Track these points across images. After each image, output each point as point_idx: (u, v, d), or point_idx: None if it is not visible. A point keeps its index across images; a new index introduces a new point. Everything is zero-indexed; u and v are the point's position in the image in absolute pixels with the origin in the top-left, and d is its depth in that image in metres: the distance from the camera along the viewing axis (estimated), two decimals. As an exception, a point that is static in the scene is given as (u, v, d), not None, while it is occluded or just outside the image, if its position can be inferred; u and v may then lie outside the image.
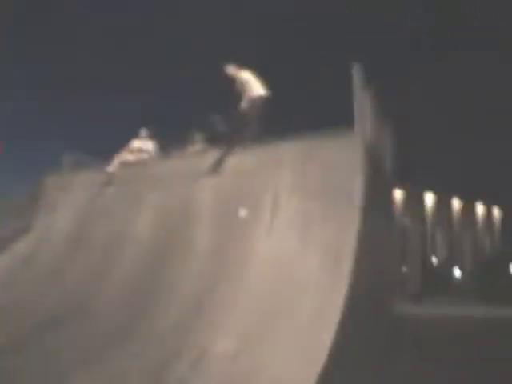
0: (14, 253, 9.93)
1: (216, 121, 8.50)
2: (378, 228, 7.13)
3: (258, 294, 5.91)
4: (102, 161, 10.26)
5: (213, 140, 8.63)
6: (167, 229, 7.59)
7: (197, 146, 8.92)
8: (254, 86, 7.90)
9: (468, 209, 61.07)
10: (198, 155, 8.43)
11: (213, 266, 6.61)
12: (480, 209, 63.69)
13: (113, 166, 9.07)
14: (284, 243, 6.26)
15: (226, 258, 6.59)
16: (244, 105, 7.81)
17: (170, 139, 9.93)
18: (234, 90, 8.00)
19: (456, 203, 60.09)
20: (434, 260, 54.52)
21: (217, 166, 7.58)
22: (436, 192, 57.60)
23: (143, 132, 9.73)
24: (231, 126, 8.09)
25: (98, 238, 8.50)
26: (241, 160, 7.45)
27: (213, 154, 7.83)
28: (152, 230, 7.77)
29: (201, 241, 7.02)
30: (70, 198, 9.73)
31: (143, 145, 9.55)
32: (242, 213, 6.79)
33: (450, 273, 54.46)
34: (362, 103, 6.72)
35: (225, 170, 7.50)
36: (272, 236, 6.42)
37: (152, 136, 9.83)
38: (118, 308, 6.87)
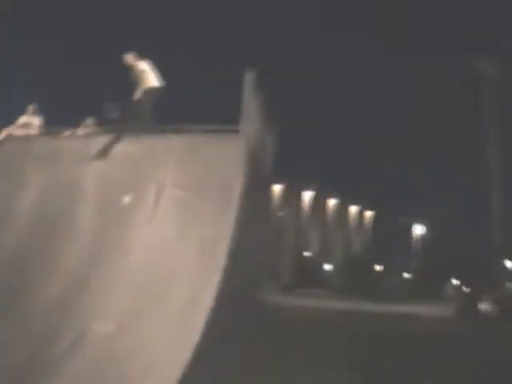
0: None
1: (110, 108, 8.47)
2: (253, 222, 7.65)
3: (136, 278, 6.15)
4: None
5: (104, 125, 8.63)
6: (50, 208, 7.48)
7: (87, 129, 8.83)
8: (150, 76, 8.04)
9: (342, 209, 65.59)
10: (86, 138, 8.37)
11: (94, 249, 6.71)
12: (353, 210, 68.63)
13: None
14: (163, 232, 6.54)
15: (107, 242, 6.73)
16: (138, 94, 7.92)
17: (60, 120, 9.67)
18: (130, 79, 8.09)
19: (332, 203, 64.23)
20: (307, 254, 57.67)
21: (105, 151, 7.62)
22: (314, 190, 61.03)
23: (31, 108, 9.39)
24: (123, 114, 8.15)
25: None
26: (129, 148, 7.57)
27: (102, 139, 7.86)
28: (35, 208, 7.59)
29: (84, 223, 7.06)
30: None
31: (30, 120, 9.22)
32: (126, 199, 6.94)
33: (321, 267, 57.96)
34: (250, 106, 7.18)
35: (112, 156, 7.56)
36: (153, 224, 6.66)
37: (38, 112, 9.50)
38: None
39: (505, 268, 39.08)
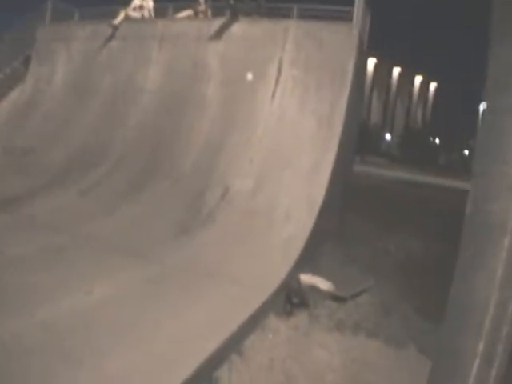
0: (11, 100, 10.56)
1: None
2: (357, 100, 8.66)
3: (265, 145, 7.41)
4: (89, 11, 10.71)
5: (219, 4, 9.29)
6: (177, 84, 8.58)
7: (201, 6, 9.51)
8: None
9: (406, 78, 63.61)
10: (203, 19, 9.24)
11: (225, 117, 7.88)
12: (418, 80, 66.41)
13: (118, 20, 9.63)
14: (286, 106, 7.64)
15: (234, 115, 7.87)
16: None
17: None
18: None
19: (396, 71, 62.26)
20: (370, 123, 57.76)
21: (223, 32, 8.50)
22: (377, 58, 58.99)
23: None
24: None
25: (105, 89, 9.38)
26: (247, 29, 8.40)
27: (219, 20, 8.69)
28: (162, 83, 8.77)
29: (211, 97, 8.21)
30: (70, 50, 10.26)
31: (144, 2, 10.00)
32: (249, 77, 8.00)
33: (383, 136, 58.32)
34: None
35: (232, 36, 8.45)
36: (276, 99, 7.78)
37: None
38: (139, 151, 8.21)
39: None
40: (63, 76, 10.15)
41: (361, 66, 8.39)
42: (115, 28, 9.60)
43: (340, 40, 7.59)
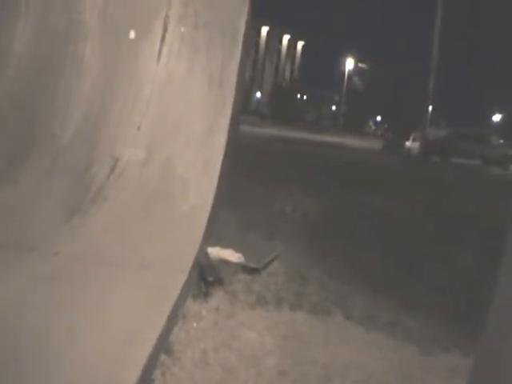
0: None
1: None
2: (245, 60, 8.30)
3: (154, 110, 6.84)
4: None
5: None
6: (50, 44, 7.54)
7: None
8: None
9: (274, 38, 64.59)
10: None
11: (106, 81, 7.12)
12: (285, 40, 67.72)
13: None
14: (173, 67, 7.08)
15: (117, 76, 7.14)
16: None
17: None
18: None
19: (264, 31, 62.95)
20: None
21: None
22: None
23: None
24: None
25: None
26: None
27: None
28: (33, 44, 7.62)
29: (91, 57, 7.30)
30: None
31: None
32: (132, 35, 7.23)
33: (253, 95, 59.16)
34: None
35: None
36: (162, 59, 7.15)
37: None
38: (10, 124, 7.08)
39: (428, 113, 42.44)
40: None
41: (250, 24, 8.02)
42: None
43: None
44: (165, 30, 7.19)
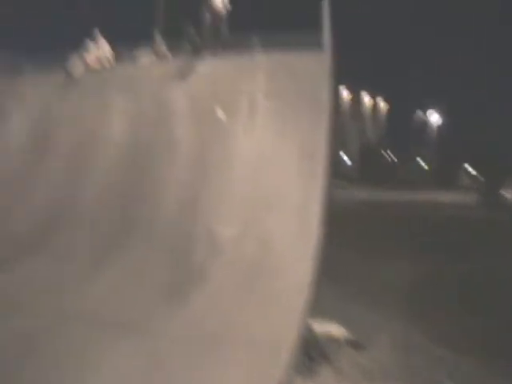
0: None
1: (188, 30, 8.61)
2: (333, 127, 8.40)
3: (246, 188, 6.87)
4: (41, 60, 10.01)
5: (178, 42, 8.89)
6: (143, 133, 8.08)
7: (160, 47, 9.10)
8: None
9: (355, 99, 65.06)
10: (164, 61, 8.81)
11: (199, 161, 7.42)
12: (366, 100, 67.92)
13: (74, 68, 9.08)
14: (263, 140, 7.20)
15: (209, 156, 7.38)
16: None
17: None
18: None
19: (344, 93, 63.61)
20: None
21: (188, 71, 8.11)
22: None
23: (97, 33, 9.56)
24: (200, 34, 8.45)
25: (67, 144, 8.72)
26: (212, 66, 8.04)
27: (182, 58, 8.26)
28: (127, 134, 8.21)
29: (183, 143, 7.71)
30: (22, 105, 9.55)
31: (100, 46, 9.50)
32: (221, 115, 7.59)
33: (340, 158, 58.85)
34: (327, 16, 7.58)
35: (198, 75, 8.07)
36: (252, 134, 7.34)
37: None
38: (110, 210, 7.58)
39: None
40: (18, 133, 9.43)
41: (333, 93, 8.18)
42: (73, 78, 9.05)
43: (313, 68, 7.34)
44: (251, 104, 7.51)
